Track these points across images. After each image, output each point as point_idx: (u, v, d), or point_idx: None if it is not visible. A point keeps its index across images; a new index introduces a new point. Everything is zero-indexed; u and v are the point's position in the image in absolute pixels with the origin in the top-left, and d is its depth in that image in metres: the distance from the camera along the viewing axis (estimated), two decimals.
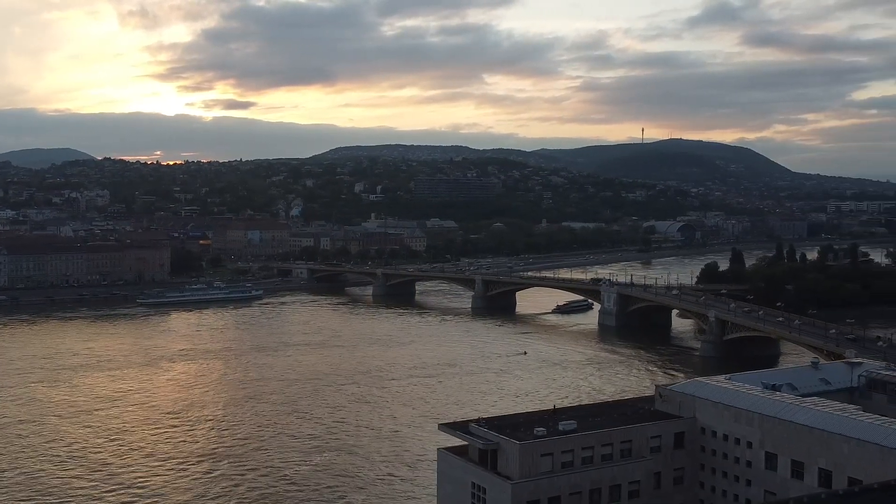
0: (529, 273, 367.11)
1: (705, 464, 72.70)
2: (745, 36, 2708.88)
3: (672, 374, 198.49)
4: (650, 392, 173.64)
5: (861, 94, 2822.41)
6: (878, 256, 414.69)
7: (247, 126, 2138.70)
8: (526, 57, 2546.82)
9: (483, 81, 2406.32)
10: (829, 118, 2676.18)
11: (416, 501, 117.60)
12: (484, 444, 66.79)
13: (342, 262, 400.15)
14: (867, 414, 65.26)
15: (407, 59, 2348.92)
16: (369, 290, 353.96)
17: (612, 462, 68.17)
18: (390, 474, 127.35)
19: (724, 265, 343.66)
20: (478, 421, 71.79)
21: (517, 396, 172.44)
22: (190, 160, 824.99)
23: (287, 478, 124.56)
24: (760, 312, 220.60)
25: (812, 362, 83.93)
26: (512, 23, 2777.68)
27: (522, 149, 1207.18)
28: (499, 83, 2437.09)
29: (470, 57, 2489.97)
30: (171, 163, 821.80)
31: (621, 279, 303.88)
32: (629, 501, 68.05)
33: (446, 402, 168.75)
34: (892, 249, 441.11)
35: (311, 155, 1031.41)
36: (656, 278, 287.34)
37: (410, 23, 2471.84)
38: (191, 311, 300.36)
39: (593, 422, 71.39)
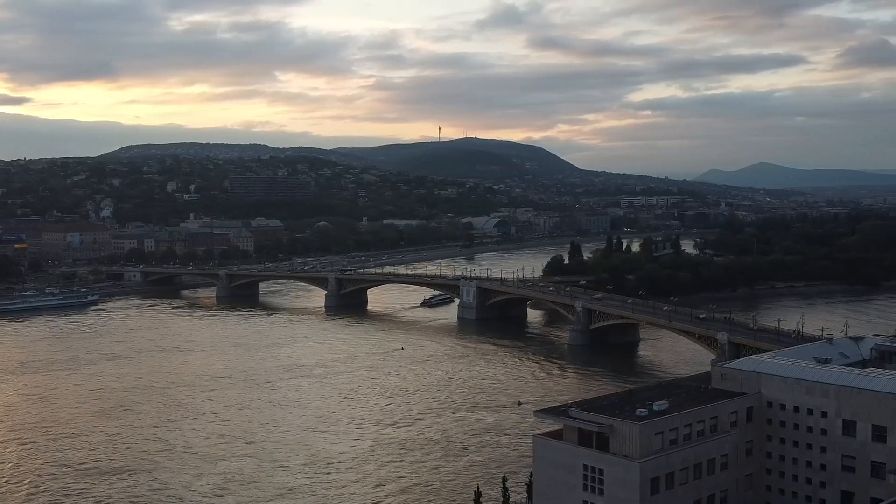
0: (369, 270, 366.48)
1: (772, 435, 78.15)
2: (530, 39, 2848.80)
3: (549, 363, 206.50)
4: (534, 378, 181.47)
5: (636, 96, 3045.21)
6: (688, 247, 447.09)
7: (22, 123, 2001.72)
8: (319, 55, 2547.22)
9: (276, 79, 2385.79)
10: (609, 118, 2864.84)
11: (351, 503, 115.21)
12: (599, 427, 68.52)
13: (170, 263, 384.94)
14: None
15: (196, 55, 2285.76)
16: (206, 292, 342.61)
17: (706, 438, 72.08)
18: (309, 478, 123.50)
19: (544, 259, 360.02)
20: (571, 405, 73.32)
21: (406, 393, 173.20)
22: None
23: (202, 489, 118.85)
24: (629, 301, 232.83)
25: (826, 338, 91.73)
26: (305, 20, 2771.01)
27: (321, 147, 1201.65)
28: (292, 81, 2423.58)
29: (262, 54, 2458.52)
30: None
31: (452, 273, 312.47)
32: (720, 473, 72.18)
33: (331, 402, 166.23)
34: (699, 241, 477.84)
35: (100, 153, 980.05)
36: (514, 271, 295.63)
37: (200, 18, 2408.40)
38: (19, 319, 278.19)
39: (673, 402, 74.79)
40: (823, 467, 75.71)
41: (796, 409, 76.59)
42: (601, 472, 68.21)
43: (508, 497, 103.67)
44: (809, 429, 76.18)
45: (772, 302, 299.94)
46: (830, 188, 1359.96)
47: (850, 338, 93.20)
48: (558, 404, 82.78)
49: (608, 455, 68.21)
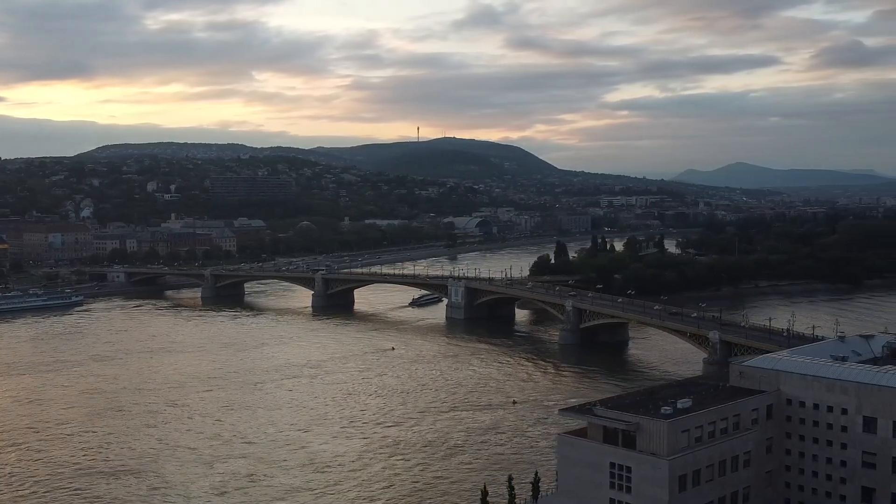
0: (356, 270, 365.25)
1: (791, 432, 79.12)
2: (507, 39, 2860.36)
3: (540, 362, 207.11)
4: (527, 377, 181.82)
5: (613, 97, 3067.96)
6: (670, 247, 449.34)
7: None
8: (296, 55, 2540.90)
9: (252, 79, 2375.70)
10: (585, 118, 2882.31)
11: None
12: (626, 425, 68.91)
13: (153, 264, 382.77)
14: None
15: (172, 54, 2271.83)
16: (190, 293, 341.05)
17: (729, 435, 72.74)
18: (309, 478, 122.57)
19: (527, 258, 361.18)
20: (595, 404, 73.66)
21: (400, 393, 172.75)
22: None
23: (202, 489, 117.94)
24: (620, 300, 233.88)
25: (839, 336, 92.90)
26: (282, 20, 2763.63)
27: (299, 147, 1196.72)
28: (268, 80, 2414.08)
29: (239, 53, 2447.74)
30: None
31: (441, 272, 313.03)
32: (743, 470, 72.84)
33: (325, 403, 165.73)
34: (681, 240, 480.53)
35: (77, 153, 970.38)
36: (502, 271, 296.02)
37: (176, 17, 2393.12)
38: (3, 321, 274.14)
39: (695, 400, 75.35)
40: (844, 464, 76.75)
41: (816, 406, 77.62)
42: (629, 469, 68.66)
43: (514, 496, 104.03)
44: (829, 426, 77.24)
45: (756, 301, 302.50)
46: (806, 188, 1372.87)
47: (861, 336, 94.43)
48: (582, 402, 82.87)
49: (636, 453, 68.64)
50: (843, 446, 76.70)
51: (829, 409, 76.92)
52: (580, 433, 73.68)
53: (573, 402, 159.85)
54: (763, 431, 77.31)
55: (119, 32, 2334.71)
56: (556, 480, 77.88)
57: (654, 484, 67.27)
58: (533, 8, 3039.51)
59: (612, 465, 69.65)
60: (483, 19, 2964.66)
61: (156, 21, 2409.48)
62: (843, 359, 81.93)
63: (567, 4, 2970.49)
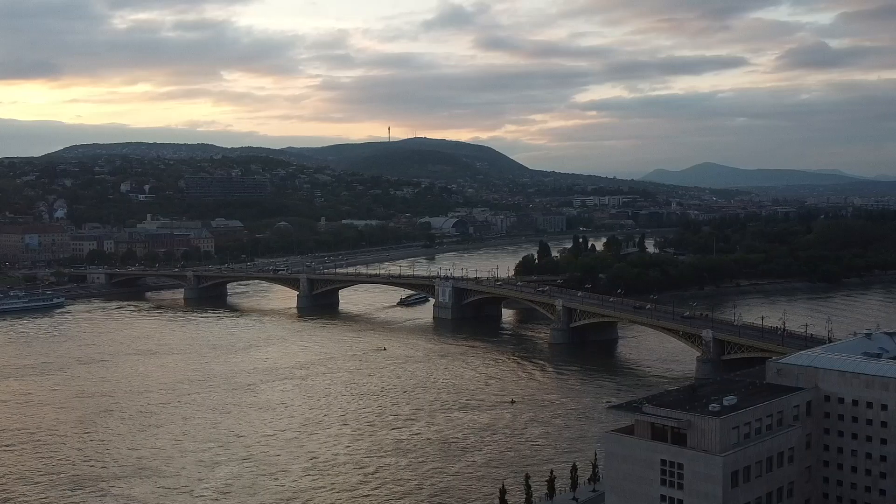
0: (341, 270, 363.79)
1: (830, 428, 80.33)
2: (477, 40, 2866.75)
3: (533, 361, 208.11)
4: (529, 376, 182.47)
5: (582, 97, 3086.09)
6: (648, 246, 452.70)
7: None
8: (266, 54, 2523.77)
9: (221, 78, 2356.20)
10: (555, 119, 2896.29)
11: None
12: (677, 423, 69.57)
13: (132, 265, 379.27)
14: None
15: (140, 53, 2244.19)
16: (170, 294, 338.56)
17: (773, 431, 73.63)
18: (312, 481, 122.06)
19: (504, 258, 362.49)
20: (642, 401, 74.26)
21: (395, 394, 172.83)
22: None
23: (205, 493, 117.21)
24: (612, 299, 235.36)
25: (866, 333, 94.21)
26: (251, 19, 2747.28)
27: (269, 147, 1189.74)
28: (238, 80, 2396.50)
29: (208, 53, 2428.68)
30: None
31: (424, 272, 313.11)
32: (787, 466, 73.86)
33: (320, 404, 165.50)
34: (659, 240, 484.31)
35: (44, 153, 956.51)
36: (489, 271, 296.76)
37: (144, 16, 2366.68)
38: None
39: (738, 397, 76.04)
40: (884, 458, 78.09)
41: (855, 402, 78.90)
42: (680, 466, 69.33)
43: (531, 494, 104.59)
44: (869, 421, 78.54)
45: (738, 299, 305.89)
46: (773, 188, 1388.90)
47: (887, 332, 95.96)
48: (631, 400, 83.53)
49: (688, 450, 69.33)
50: (884, 441, 78.04)
51: (869, 405, 78.26)
52: (626, 430, 74.35)
53: (570, 401, 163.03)
54: (804, 427, 78.34)
55: (86, 31, 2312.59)
56: (600, 476, 78.77)
57: (708, 480, 68.06)
58: (503, 9, 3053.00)
59: (664, 461, 70.29)
60: (453, 20, 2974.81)
61: (123, 20, 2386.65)
62: (878, 355, 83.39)
63: (536, 5, 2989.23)
